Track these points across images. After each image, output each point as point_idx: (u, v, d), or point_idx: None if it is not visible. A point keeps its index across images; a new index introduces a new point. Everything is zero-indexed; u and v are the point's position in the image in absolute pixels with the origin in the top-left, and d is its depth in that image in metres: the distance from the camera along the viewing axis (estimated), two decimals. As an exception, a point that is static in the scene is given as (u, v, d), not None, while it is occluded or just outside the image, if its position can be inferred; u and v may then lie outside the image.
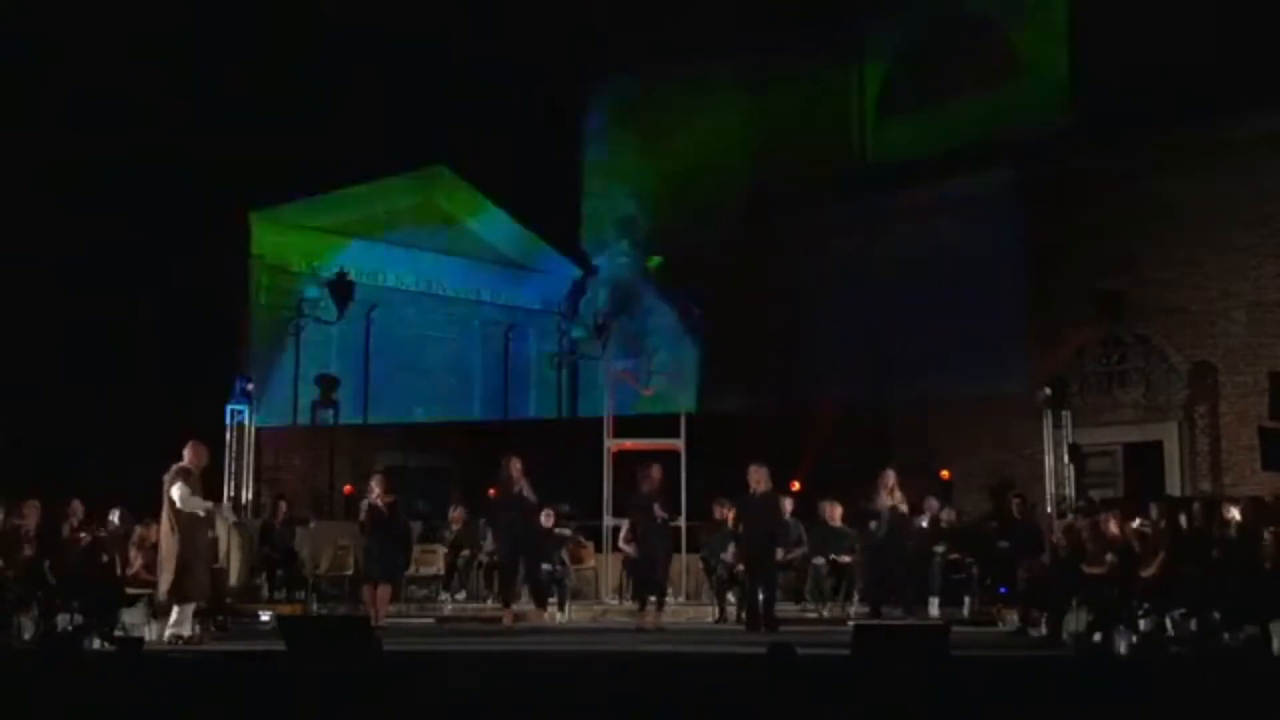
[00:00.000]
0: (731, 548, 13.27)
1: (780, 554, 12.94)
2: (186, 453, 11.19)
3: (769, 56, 19.72)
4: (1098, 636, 10.81)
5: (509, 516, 13.04)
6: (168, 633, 10.81)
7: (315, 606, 14.33)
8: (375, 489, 13.10)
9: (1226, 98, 15.45)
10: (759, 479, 12.57)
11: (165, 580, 10.86)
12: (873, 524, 13.25)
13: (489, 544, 14.42)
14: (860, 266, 18.67)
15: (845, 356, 18.21)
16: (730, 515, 13.85)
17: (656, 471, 13.02)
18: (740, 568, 13.42)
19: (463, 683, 8.40)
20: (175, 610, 10.84)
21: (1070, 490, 14.73)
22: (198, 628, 11.03)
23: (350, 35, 17.64)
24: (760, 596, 12.53)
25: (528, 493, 12.88)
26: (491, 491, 14.53)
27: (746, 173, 19.75)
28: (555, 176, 19.55)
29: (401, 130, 18.50)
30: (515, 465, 12.85)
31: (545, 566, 13.57)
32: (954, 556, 13.80)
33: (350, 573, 14.37)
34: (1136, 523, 11.53)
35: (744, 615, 12.82)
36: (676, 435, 15.25)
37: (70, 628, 10.83)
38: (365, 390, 18.62)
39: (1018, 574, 12.90)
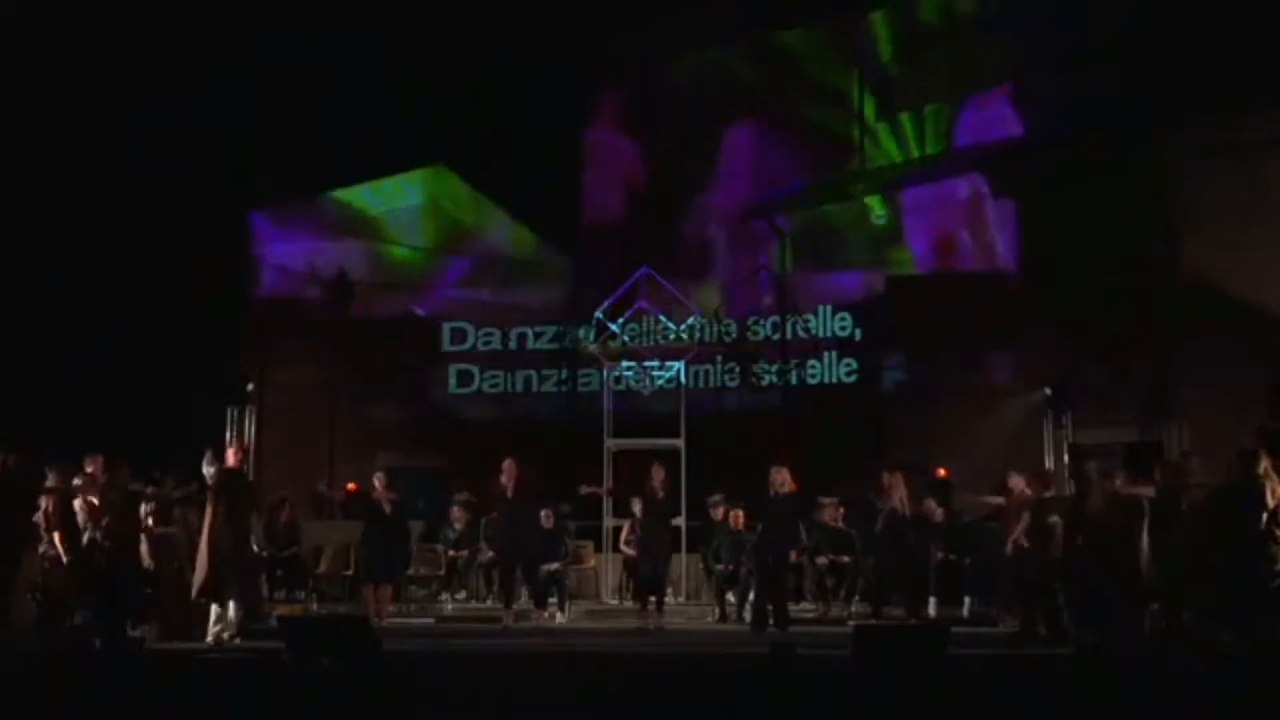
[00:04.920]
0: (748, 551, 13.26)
1: (793, 555, 13.04)
2: (230, 455, 11.42)
3: (770, 55, 19.75)
4: (1096, 636, 10.84)
5: (506, 517, 13.05)
6: (209, 635, 10.84)
7: (315, 606, 14.33)
8: (378, 486, 13.19)
9: (1227, 97, 15.44)
10: (781, 479, 12.58)
11: (199, 578, 10.89)
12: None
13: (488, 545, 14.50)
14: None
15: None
16: (730, 514, 13.87)
17: (658, 471, 13.05)
18: (728, 566, 13.49)
19: (463, 683, 8.41)
20: (214, 609, 10.87)
21: (1070, 490, 14.71)
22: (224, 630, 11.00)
23: (350, 34, 17.62)
24: (768, 596, 12.54)
25: (520, 493, 12.88)
26: (474, 496, 14.54)
27: (745, 171, 19.75)
28: (556, 176, 19.53)
29: (401, 130, 18.49)
30: (509, 466, 12.87)
31: (546, 567, 13.56)
32: (951, 556, 13.81)
33: (350, 573, 14.37)
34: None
35: (750, 615, 12.80)
36: (676, 435, 15.26)
37: (73, 624, 10.86)
38: (365, 390, 18.58)
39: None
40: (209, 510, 10.95)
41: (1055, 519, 11.89)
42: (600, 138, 20.40)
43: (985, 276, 17.96)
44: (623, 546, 14.46)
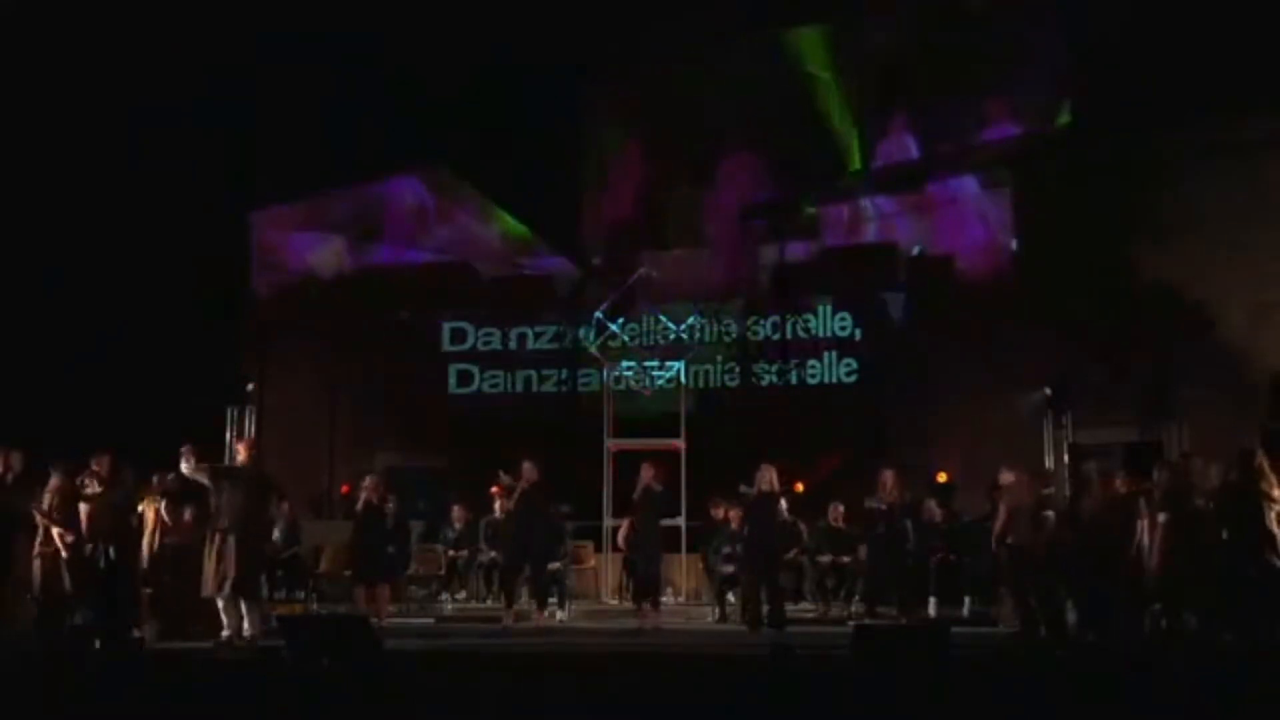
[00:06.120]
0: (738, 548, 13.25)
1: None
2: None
3: (766, 54, 19.77)
4: (1096, 636, 10.84)
5: (518, 517, 13.01)
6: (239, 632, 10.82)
7: (315, 606, 14.33)
8: (369, 486, 13.18)
9: (1227, 98, 15.45)
10: (764, 479, 12.56)
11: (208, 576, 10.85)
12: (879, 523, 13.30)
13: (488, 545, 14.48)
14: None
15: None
16: (730, 514, 13.87)
17: (647, 470, 13.02)
18: (731, 568, 13.48)
19: (463, 683, 8.41)
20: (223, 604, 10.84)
21: (1069, 490, 14.72)
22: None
23: (350, 34, 17.64)
24: (763, 597, 12.53)
25: (534, 493, 12.85)
26: (496, 489, 14.52)
27: (743, 170, 19.76)
28: (555, 176, 19.55)
29: (401, 130, 18.50)
30: (529, 469, 12.84)
31: (551, 566, 13.57)
32: (951, 556, 13.80)
33: (350, 573, 14.36)
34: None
35: (746, 615, 12.80)
36: (677, 435, 15.26)
37: (74, 624, 10.87)
38: (365, 390, 18.59)
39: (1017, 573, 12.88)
40: (213, 508, 10.93)
41: (1049, 513, 11.88)
42: (600, 137, 20.42)
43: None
44: (621, 545, 14.46)
